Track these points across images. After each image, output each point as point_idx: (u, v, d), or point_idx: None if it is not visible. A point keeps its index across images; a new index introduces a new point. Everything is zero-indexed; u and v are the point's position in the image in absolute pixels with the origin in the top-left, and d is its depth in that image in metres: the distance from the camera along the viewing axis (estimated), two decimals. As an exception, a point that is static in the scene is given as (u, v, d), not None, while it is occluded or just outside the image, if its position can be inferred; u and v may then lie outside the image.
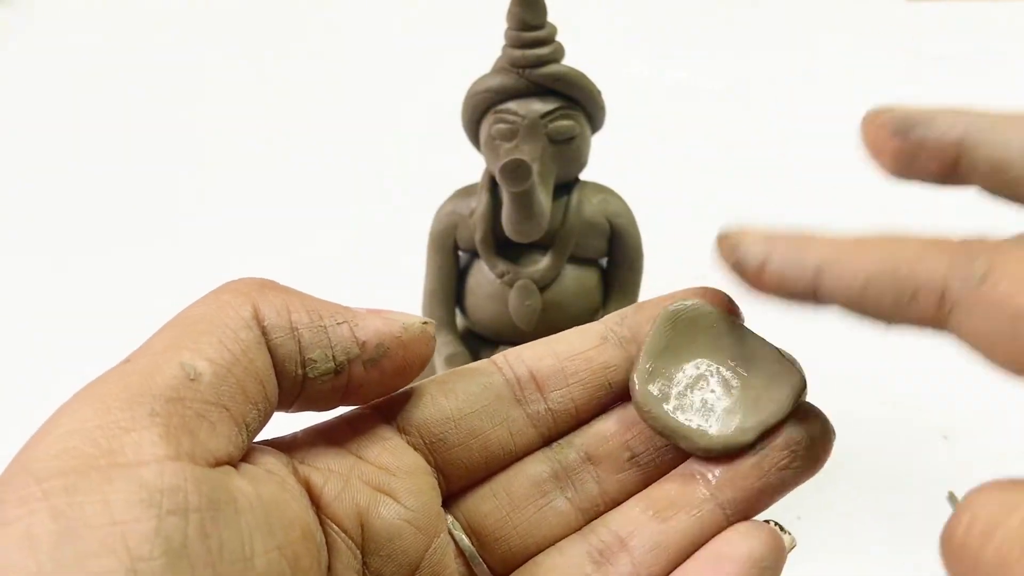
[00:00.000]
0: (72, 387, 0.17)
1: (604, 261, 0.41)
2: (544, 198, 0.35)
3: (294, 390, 0.20)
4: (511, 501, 0.22)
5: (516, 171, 0.33)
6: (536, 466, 0.22)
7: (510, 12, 0.35)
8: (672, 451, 0.23)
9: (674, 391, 0.23)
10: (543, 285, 0.38)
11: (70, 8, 0.99)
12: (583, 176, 0.39)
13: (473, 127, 0.38)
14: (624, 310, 0.24)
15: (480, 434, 0.22)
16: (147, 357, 0.18)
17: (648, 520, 0.21)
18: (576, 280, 0.39)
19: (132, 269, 0.62)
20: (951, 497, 0.43)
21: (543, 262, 0.38)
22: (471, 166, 0.39)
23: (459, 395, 0.22)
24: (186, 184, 0.71)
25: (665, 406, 0.22)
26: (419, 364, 0.21)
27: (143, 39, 0.94)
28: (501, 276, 0.38)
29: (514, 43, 0.35)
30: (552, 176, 0.36)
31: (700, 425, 0.22)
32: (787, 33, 0.90)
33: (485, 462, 0.22)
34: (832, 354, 0.52)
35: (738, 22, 0.92)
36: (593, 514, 0.22)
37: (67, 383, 0.18)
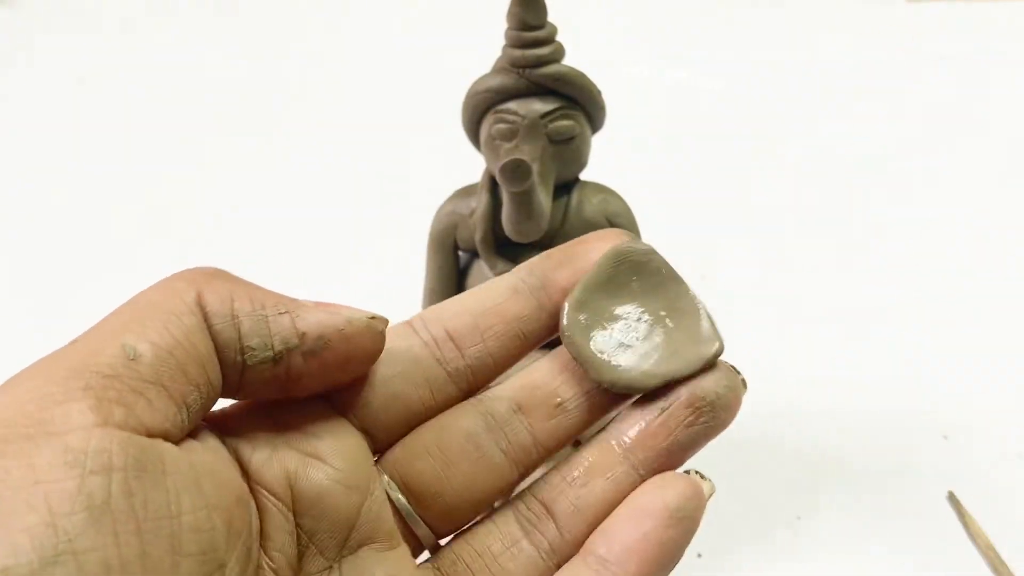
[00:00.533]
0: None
1: (604, 261, 0.40)
2: (544, 198, 0.35)
3: (235, 376, 0.20)
4: (445, 457, 0.23)
5: (516, 171, 0.33)
6: (468, 420, 0.23)
7: (510, 12, 0.35)
8: (599, 395, 0.23)
9: (599, 324, 0.23)
10: (543, 285, 0.38)
11: (70, 8, 0.99)
12: (583, 176, 0.39)
13: (473, 127, 0.38)
14: (533, 259, 0.24)
15: (402, 396, 0.23)
16: (91, 338, 0.19)
17: (568, 486, 0.22)
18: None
19: (131, 268, 0.62)
20: (951, 497, 0.43)
21: (543, 262, 0.38)
22: (471, 166, 0.39)
23: (379, 360, 0.22)
24: (186, 184, 0.71)
25: (587, 334, 0.23)
26: (363, 359, 0.22)
27: (143, 39, 0.94)
28: (501, 276, 0.38)
29: (514, 43, 0.35)
30: (552, 176, 0.36)
31: (612, 360, 0.23)
32: (787, 33, 0.90)
33: (407, 421, 0.23)
34: (833, 354, 0.52)
35: (738, 22, 0.92)
36: (528, 464, 0.23)
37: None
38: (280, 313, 0.21)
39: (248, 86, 0.85)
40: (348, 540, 0.21)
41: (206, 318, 0.20)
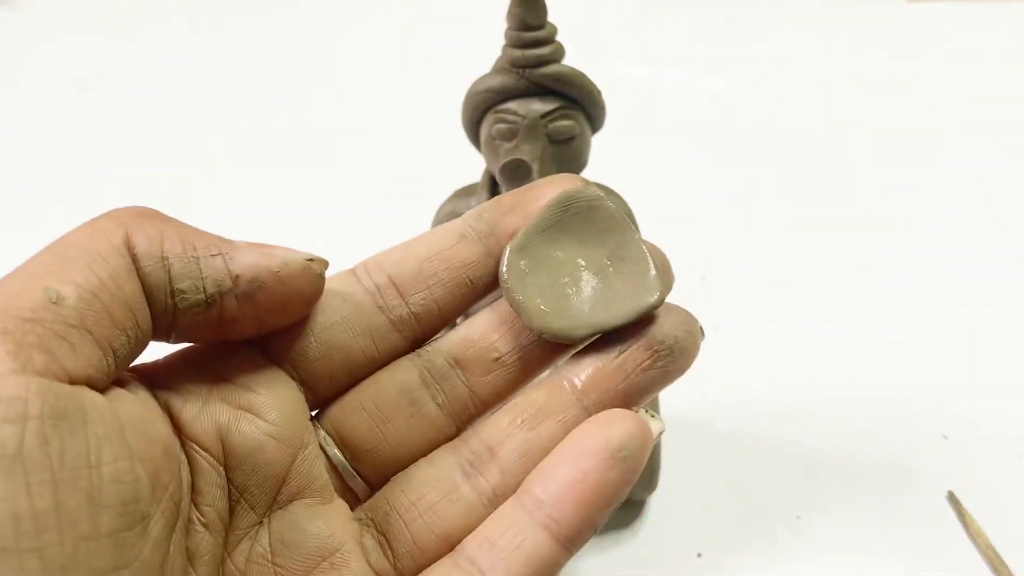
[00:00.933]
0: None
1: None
2: (544, 198, 0.36)
3: (166, 320, 0.20)
4: (380, 412, 0.22)
5: (516, 171, 0.33)
6: (404, 374, 0.22)
7: (510, 12, 0.35)
8: (538, 348, 0.23)
9: (539, 271, 0.22)
10: (543, 285, 0.38)
11: (70, 8, 0.99)
12: (583, 176, 0.39)
13: (473, 127, 0.38)
14: (482, 205, 0.23)
15: (341, 345, 0.22)
16: (12, 281, 0.18)
17: (516, 429, 0.21)
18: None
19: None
20: (951, 497, 0.43)
21: (543, 262, 0.38)
22: (471, 166, 0.39)
23: (318, 309, 0.22)
24: (186, 183, 0.71)
25: (525, 280, 0.22)
26: (301, 302, 0.21)
27: (143, 39, 0.94)
28: (501, 276, 0.38)
29: (514, 43, 0.35)
30: (552, 176, 0.36)
31: (545, 308, 0.22)
32: (787, 33, 0.90)
33: (349, 372, 0.22)
34: (832, 354, 0.52)
35: (738, 22, 0.92)
36: (465, 418, 0.23)
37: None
38: (212, 255, 0.20)
39: (248, 86, 0.85)
40: (279, 495, 0.21)
41: (134, 260, 0.19)
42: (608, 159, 0.43)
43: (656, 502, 0.43)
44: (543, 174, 0.36)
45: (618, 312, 0.22)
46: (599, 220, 0.23)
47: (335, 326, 0.22)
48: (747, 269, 0.59)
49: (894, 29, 0.90)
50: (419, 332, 0.23)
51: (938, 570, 0.40)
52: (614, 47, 0.86)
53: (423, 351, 0.23)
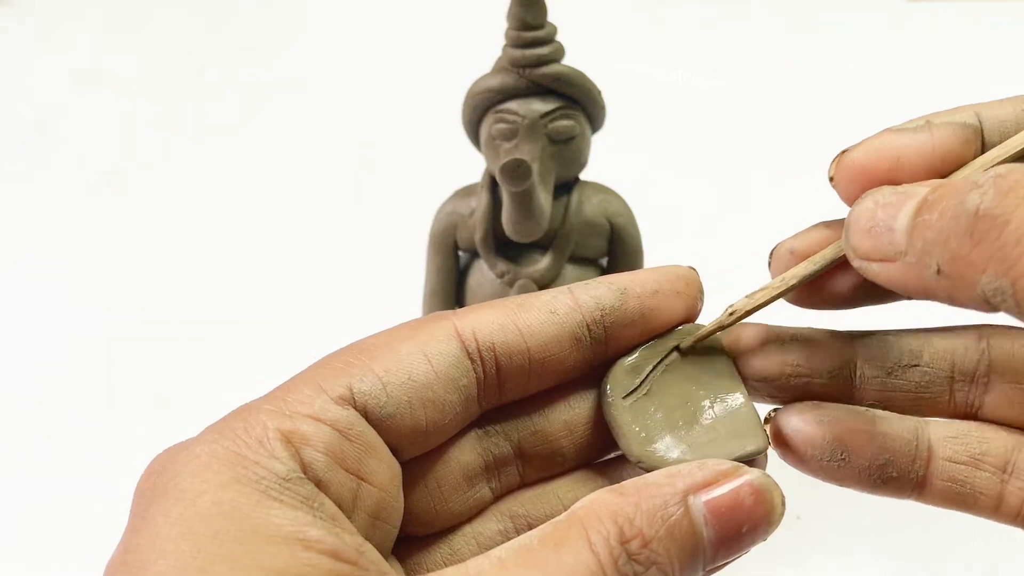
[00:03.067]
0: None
1: (604, 261, 0.41)
2: (544, 198, 0.35)
3: None
4: (440, 491, 0.22)
5: (516, 171, 0.33)
6: (468, 454, 0.22)
7: (510, 12, 0.35)
8: (593, 452, 0.23)
9: (643, 394, 0.22)
10: (543, 285, 0.38)
11: (70, 8, 0.99)
12: (583, 176, 0.39)
13: (473, 127, 0.38)
14: (605, 297, 0.22)
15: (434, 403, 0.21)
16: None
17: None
18: (576, 280, 0.38)
19: (131, 268, 0.62)
20: None
21: (543, 262, 0.38)
22: (471, 166, 0.39)
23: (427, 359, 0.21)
24: (187, 181, 0.71)
25: (628, 402, 0.22)
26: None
27: (143, 39, 0.94)
28: (501, 276, 0.38)
29: (514, 43, 0.35)
30: (552, 176, 0.36)
31: (643, 435, 0.22)
32: (787, 33, 0.90)
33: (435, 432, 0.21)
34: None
35: (738, 22, 0.92)
36: (507, 495, 0.23)
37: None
38: None
39: (248, 85, 0.85)
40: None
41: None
42: (608, 159, 0.43)
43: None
44: (543, 174, 0.36)
45: (717, 452, 0.21)
46: (713, 363, 0.23)
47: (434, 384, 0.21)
48: (747, 269, 0.59)
49: (894, 29, 0.90)
50: (496, 402, 0.22)
51: (938, 570, 0.40)
52: (614, 47, 0.86)
53: (491, 430, 0.23)
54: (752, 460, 0.22)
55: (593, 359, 0.22)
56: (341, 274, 0.60)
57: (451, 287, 0.40)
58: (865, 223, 0.20)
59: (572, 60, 0.35)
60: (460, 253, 0.40)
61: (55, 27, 0.96)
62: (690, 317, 0.23)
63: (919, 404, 0.23)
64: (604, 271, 0.40)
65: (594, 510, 0.18)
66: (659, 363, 0.23)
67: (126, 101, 0.83)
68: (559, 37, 0.35)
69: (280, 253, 0.63)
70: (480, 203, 0.38)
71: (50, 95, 0.85)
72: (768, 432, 0.22)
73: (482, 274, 0.39)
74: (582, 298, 0.22)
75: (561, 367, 0.22)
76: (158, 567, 0.17)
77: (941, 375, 0.23)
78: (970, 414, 0.23)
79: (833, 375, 0.23)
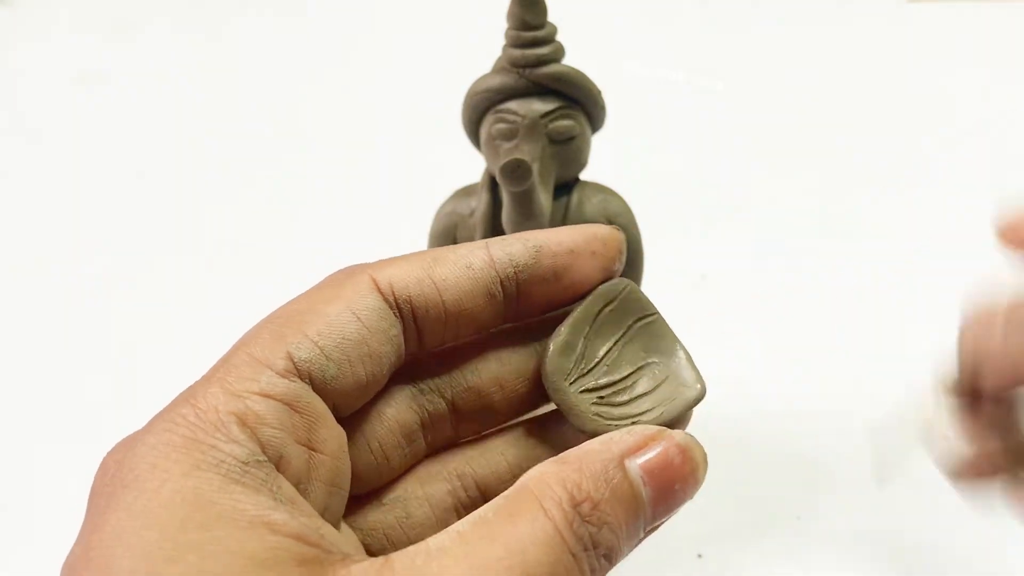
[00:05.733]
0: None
1: (604, 261, 0.41)
2: (544, 198, 0.35)
3: None
4: (384, 452, 0.23)
5: (516, 171, 0.33)
6: (406, 414, 0.23)
7: (510, 12, 0.35)
8: (527, 404, 0.24)
9: (582, 368, 0.23)
10: (543, 285, 0.38)
11: (70, 8, 0.99)
12: (583, 176, 0.39)
13: (473, 127, 0.37)
14: (519, 254, 0.22)
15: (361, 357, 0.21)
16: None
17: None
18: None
19: (132, 267, 0.62)
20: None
21: (543, 262, 0.38)
22: (471, 166, 0.39)
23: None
24: (187, 180, 0.71)
25: (570, 379, 0.23)
26: None
27: (143, 38, 0.94)
28: (501, 276, 0.38)
29: (514, 43, 0.35)
30: (552, 176, 0.36)
31: (596, 412, 0.22)
32: (787, 33, 0.90)
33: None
34: (832, 353, 0.52)
35: (738, 22, 0.92)
36: (447, 452, 0.24)
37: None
38: None
39: (249, 85, 0.85)
40: None
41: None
42: (608, 159, 0.43)
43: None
44: (543, 174, 0.36)
45: (671, 409, 0.22)
46: (635, 312, 0.23)
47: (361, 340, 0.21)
48: (746, 269, 0.59)
49: (894, 29, 0.90)
50: (415, 350, 0.23)
51: (938, 569, 0.40)
52: (614, 47, 0.86)
53: (424, 387, 0.23)
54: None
55: (507, 313, 0.23)
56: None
57: (451, 287, 0.40)
58: None
59: (572, 60, 0.35)
60: (460, 253, 0.40)
61: (55, 27, 0.96)
62: (607, 277, 0.23)
63: None
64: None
65: (543, 480, 0.19)
66: (588, 332, 0.23)
67: (126, 101, 0.83)
68: (559, 37, 0.35)
69: (280, 253, 0.63)
70: (480, 203, 0.38)
71: (50, 95, 0.85)
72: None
73: (482, 274, 0.39)
74: (497, 254, 0.22)
75: (476, 320, 0.22)
76: (124, 561, 0.16)
77: None
78: None
79: None
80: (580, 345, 0.23)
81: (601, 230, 0.23)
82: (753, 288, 0.57)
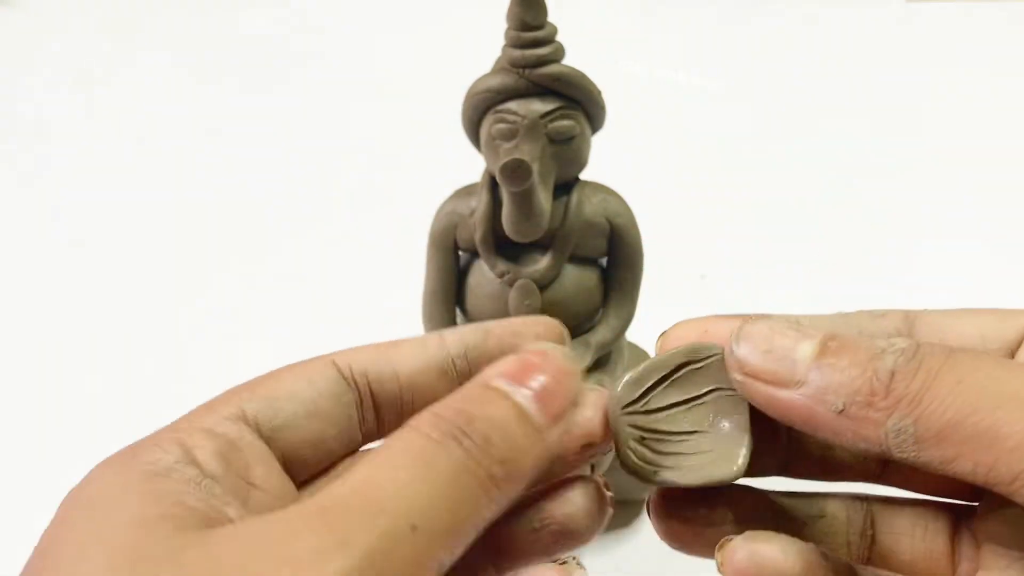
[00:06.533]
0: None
1: (604, 261, 0.41)
2: (544, 198, 0.35)
3: None
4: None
5: (516, 171, 0.33)
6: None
7: (510, 12, 0.35)
8: None
9: (642, 407, 0.23)
10: (543, 285, 0.38)
11: (70, 8, 0.99)
12: (583, 176, 0.39)
13: (473, 127, 0.38)
14: (469, 335, 0.24)
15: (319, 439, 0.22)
16: None
17: None
18: (576, 280, 0.39)
19: (132, 267, 0.62)
20: None
21: (543, 262, 0.38)
22: (471, 166, 0.39)
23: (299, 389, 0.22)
24: (186, 182, 0.71)
25: (625, 412, 0.23)
26: None
27: (144, 39, 0.94)
28: (501, 276, 0.38)
29: (514, 43, 0.35)
30: (552, 176, 0.36)
31: (637, 448, 0.23)
32: (787, 33, 0.90)
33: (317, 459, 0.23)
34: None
35: (738, 22, 0.92)
36: None
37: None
38: None
39: (249, 82, 0.85)
40: None
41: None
42: (608, 159, 0.43)
43: (656, 502, 0.43)
44: (543, 174, 0.36)
45: (723, 470, 0.23)
46: (720, 379, 0.23)
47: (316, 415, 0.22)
48: (747, 269, 0.59)
49: (894, 29, 0.90)
50: (376, 435, 0.24)
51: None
52: (614, 47, 0.86)
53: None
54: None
55: None
56: (341, 274, 0.60)
57: (451, 287, 0.40)
58: (763, 344, 0.22)
59: (572, 60, 0.35)
60: (460, 253, 0.40)
61: (55, 27, 0.96)
62: None
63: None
64: (604, 271, 0.40)
65: (419, 416, 0.19)
66: (662, 379, 0.23)
67: (126, 102, 0.83)
68: (559, 37, 0.35)
69: (279, 254, 0.63)
70: (480, 203, 0.38)
71: (50, 95, 0.85)
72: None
73: (482, 274, 0.39)
74: (449, 338, 0.24)
75: (432, 395, 0.22)
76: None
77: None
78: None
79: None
80: (649, 387, 0.23)
81: (546, 320, 0.24)
82: (753, 288, 0.57)
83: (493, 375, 0.20)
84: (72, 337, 0.56)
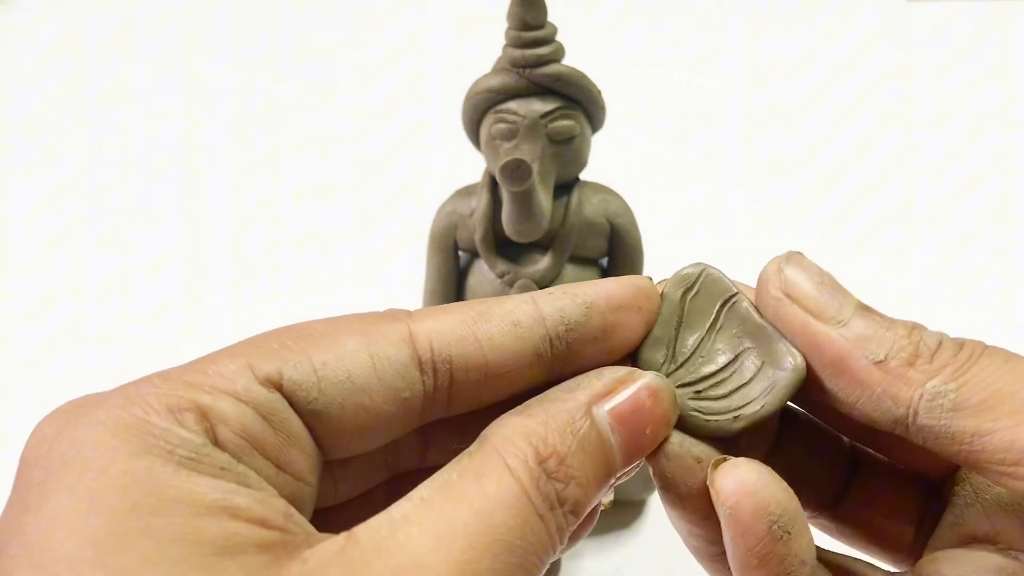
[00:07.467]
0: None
1: (604, 261, 0.41)
2: (544, 198, 0.35)
3: None
4: (361, 487, 0.22)
5: (516, 171, 0.33)
6: (406, 462, 0.22)
7: (510, 12, 0.35)
8: None
9: (676, 364, 0.21)
10: (543, 285, 0.38)
11: (70, 8, 0.99)
12: (583, 176, 0.39)
13: (473, 127, 0.38)
14: (570, 311, 0.20)
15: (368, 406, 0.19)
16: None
17: None
18: (576, 280, 0.39)
19: (133, 267, 0.62)
20: None
21: (543, 262, 0.38)
22: (471, 166, 0.39)
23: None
24: (187, 181, 0.71)
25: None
26: None
27: (144, 40, 0.94)
28: (501, 276, 0.38)
29: (514, 43, 0.35)
30: (552, 176, 0.36)
31: (701, 408, 0.21)
32: (787, 33, 0.90)
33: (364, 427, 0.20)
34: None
35: (738, 22, 0.92)
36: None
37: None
38: None
39: (250, 84, 0.84)
40: None
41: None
42: (608, 159, 0.43)
43: (656, 502, 0.43)
44: (543, 174, 0.36)
45: (780, 391, 0.20)
46: (719, 294, 0.22)
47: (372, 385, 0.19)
48: (747, 269, 0.59)
49: (894, 28, 0.90)
50: (442, 414, 0.21)
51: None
52: (614, 47, 0.86)
53: (434, 437, 0.22)
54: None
55: (550, 376, 0.20)
56: (341, 274, 0.60)
57: (451, 287, 0.40)
58: (815, 274, 0.21)
59: (572, 60, 0.35)
60: (460, 253, 0.40)
61: (55, 27, 0.96)
62: (646, 333, 0.22)
63: None
64: (604, 271, 0.40)
65: (506, 436, 0.18)
66: (677, 324, 0.22)
67: (127, 102, 0.83)
68: (559, 37, 0.35)
69: (278, 254, 0.63)
70: (480, 203, 0.38)
71: (50, 95, 0.85)
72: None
73: (482, 274, 0.39)
74: (546, 310, 0.20)
75: (518, 382, 0.20)
76: (67, 547, 0.15)
77: None
78: None
79: None
80: (669, 338, 0.21)
81: (644, 283, 0.22)
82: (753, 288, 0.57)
83: (599, 400, 0.19)
84: (72, 337, 0.56)
